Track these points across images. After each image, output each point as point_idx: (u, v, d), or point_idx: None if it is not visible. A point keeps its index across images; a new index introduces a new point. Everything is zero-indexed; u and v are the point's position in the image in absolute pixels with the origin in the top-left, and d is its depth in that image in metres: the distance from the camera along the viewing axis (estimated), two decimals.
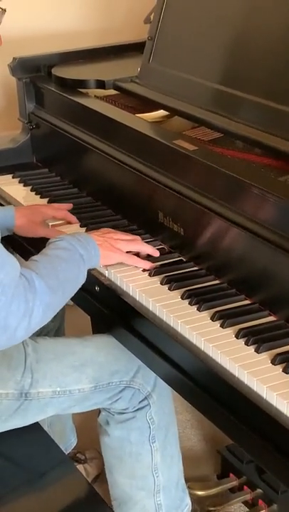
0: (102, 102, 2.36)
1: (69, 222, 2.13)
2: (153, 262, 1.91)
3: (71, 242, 1.77)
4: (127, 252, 1.91)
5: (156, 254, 1.94)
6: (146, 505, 2.03)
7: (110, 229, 1.96)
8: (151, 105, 2.28)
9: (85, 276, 1.78)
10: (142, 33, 2.43)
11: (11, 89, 2.68)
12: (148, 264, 1.90)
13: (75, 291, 1.76)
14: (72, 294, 1.75)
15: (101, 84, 2.39)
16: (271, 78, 1.94)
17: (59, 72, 2.50)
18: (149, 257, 1.93)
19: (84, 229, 2.09)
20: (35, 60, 2.56)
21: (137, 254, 1.92)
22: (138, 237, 1.96)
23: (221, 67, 2.10)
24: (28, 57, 2.56)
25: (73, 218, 2.13)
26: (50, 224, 2.10)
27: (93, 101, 2.36)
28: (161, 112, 2.29)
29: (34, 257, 1.72)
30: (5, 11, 1.78)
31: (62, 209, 2.16)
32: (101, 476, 2.47)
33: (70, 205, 2.19)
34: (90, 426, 2.28)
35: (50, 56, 2.60)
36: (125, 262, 1.89)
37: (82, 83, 2.43)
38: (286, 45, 1.92)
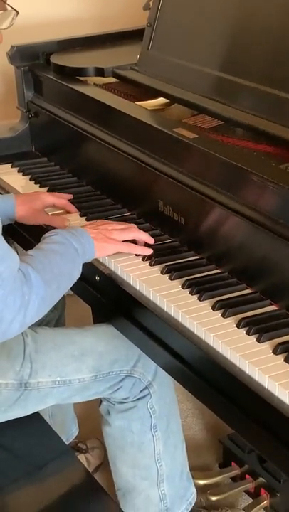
0: (101, 90, 2.35)
1: (68, 212, 2.12)
2: (152, 250, 1.91)
3: (65, 236, 1.77)
4: (124, 240, 1.90)
5: (152, 241, 1.93)
6: (151, 495, 2.04)
7: (104, 220, 1.96)
8: (151, 93, 2.28)
9: (80, 270, 1.78)
10: (141, 19, 2.42)
11: (9, 77, 2.68)
12: (146, 250, 1.90)
13: (70, 285, 1.76)
14: (68, 288, 1.76)
15: (100, 72, 2.39)
16: (271, 65, 1.94)
17: (58, 59, 2.49)
18: (146, 246, 1.93)
19: (84, 218, 2.09)
20: (34, 48, 2.55)
21: (135, 242, 1.92)
22: (133, 225, 1.95)
23: (221, 54, 2.09)
24: (27, 45, 2.55)
25: (73, 208, 2.13)
26: (50, 213, 2.10)
27: (92, 89, 2.35)
28: (161, 100, 2.29)
29: (29, 252, 1.72)
30: (18, 13, 1.78)
31: (63, 198, 2.15)
32: (103, 466, 2.49)
33: (70, 196, 2.19)
34: (91, 415, 2.29)
35: (49, 44, 2.59)
36: (122, 250, 1.89)
37: (81, 71, 2.42)
38: (286, 31, 1.92)
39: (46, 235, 1.79)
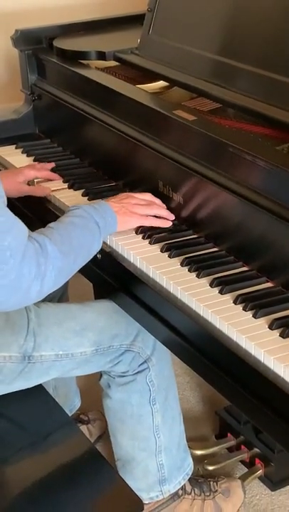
0: (102, 73, 2.37)
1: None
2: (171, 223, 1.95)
3: (87, 210, 1.80)
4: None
5: (172, 217, 1.96)
6: (149, 465, 2.08)
7: (129, 193, 1.98)
8: (151, 76, 2.29)
9: (100, 243, 1.80)
10: (142, 4, 2.42)
11: (13, 61, 2.68)
12: (165, 223, 1.94)
13: (90, 257, 1.79)
14: (86, 261, 1.78)
15: (101, 56, 2.40)
16: (270, 48, 1.95)
17: (60, 43, 2.50)
18: None
19: (81, 192, 2.14)
20: (37, 32, 2.57)
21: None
22: (155, 201, 1.98)
23: (220, 38, 2.10)
24: (30, 29, 2.56)
25: (56, 176, 2.20)
26: (36, 181, 2.19)
27: (94, 72, 2.37)
28: (161, 83, 2.30)
29: (50, 224, 1.75)
30: None
31: (44, 168, 2.23)
32: (104, 437, 2.51)
33: (52, 164, 2.26)
34: (93, 388, 2.29)
35: (52, 28, 2.60)
36: (143, 224, 1.92)
37: (83, 54, 2.43)
38: (284, 15, 1.93)
39: (69, 208, 1.83)
